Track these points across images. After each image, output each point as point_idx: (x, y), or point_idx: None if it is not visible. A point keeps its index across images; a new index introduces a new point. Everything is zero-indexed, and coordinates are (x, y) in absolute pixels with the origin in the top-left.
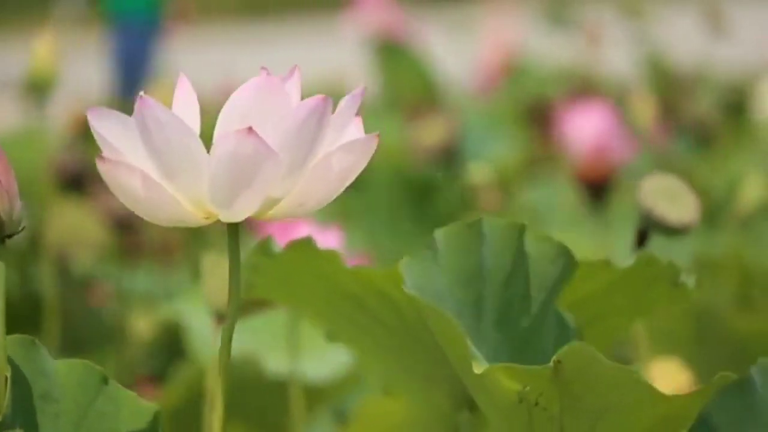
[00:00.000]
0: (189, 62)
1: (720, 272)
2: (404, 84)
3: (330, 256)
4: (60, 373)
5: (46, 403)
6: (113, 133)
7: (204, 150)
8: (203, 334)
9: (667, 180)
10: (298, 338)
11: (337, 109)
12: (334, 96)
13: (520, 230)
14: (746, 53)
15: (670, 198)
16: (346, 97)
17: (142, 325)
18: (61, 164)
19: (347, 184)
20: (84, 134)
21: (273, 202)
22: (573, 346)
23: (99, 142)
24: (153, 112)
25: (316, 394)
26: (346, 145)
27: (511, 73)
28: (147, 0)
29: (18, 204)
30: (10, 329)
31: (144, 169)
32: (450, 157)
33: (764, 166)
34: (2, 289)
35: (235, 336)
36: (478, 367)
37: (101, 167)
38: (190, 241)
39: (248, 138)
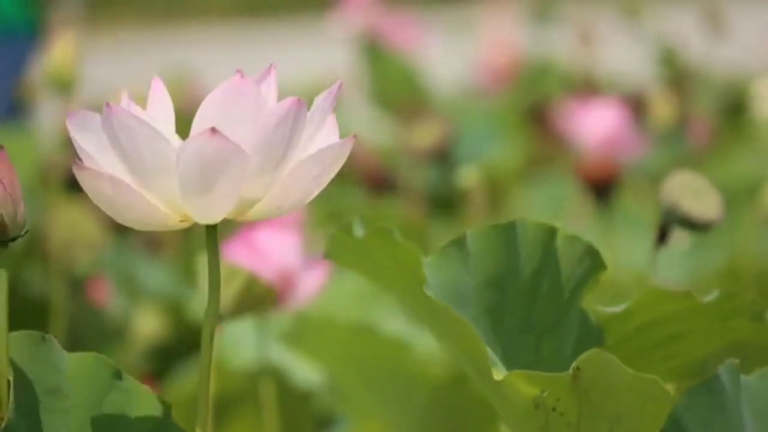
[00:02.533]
0: (197, 63)
1: (739, 276)
2: (390, 85)
3: (409, 248)
4: (71, 367)
5: (55, 398)
6: (89, 138)
7: (174, 153)
8: (229, 335)
9: (690, 177)
10: (268, 339)
11: (313, 107)
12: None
13: (551, 232)
14: (746, 53)
15: (694, 194)
16: (322, 94)
17: (151, 324)
18: (59, 165)
19: (324, 185)
20: None
21: (249, 204)
22: (592, 353)
23: (76, 148)
24: (120, 118)
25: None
26: (323, 149)
27: (511, 72)
28: (19, 7)
29: (22, 207)
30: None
31: (117, 175)
32: (444, 158)
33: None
34: (5, 292)
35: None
36: (498, 374)
37: (77, 174)
38: (188, 239)
39: (212, 138)
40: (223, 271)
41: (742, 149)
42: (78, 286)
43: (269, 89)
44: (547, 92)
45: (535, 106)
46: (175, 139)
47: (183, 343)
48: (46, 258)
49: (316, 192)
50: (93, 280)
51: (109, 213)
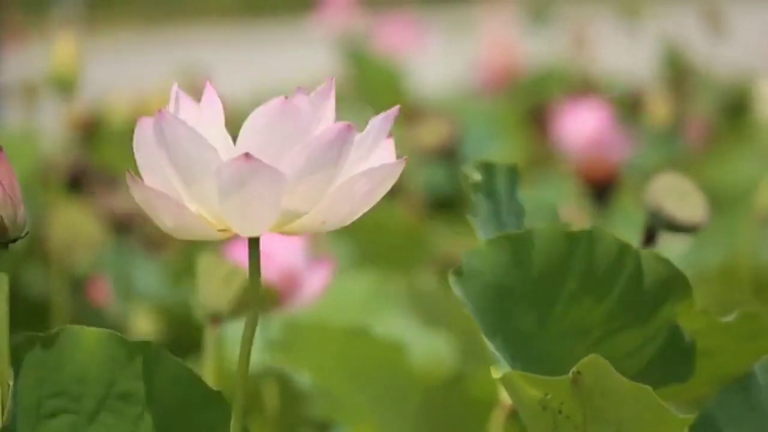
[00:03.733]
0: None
1: (736, 276)
2: (374, 86)
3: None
4: (162, 373)
5: (126, 403)
6: (148, 142)
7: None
8: (230, 335)
9: (675, 179)
10: (270, 336)
11: (367, 129)
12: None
13: (624, 246)
14: (746, 53)
15: (678, 197)
16: (378, 118)
17: (150, 324)
18: (59, 165)
19: (372, 204)
20: (82, 135)
21: (292, 218)
22: (591, 358)
23: (135, 149)
24: (170, 126)
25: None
26: (373, 170)
27: (510, 73)
28: None
29: (21, 208)
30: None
31: (165, 181)
32: (450, 157)
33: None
34: (5, 295)
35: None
36: (496, 372)
37: (128, 179)
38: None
39: (246, 163)
40: (223, 270)
41: (741, 150)
42: (78, 286)
43: (327, 105)
44: (546, 93)
45: (534, 107)
46: (227, 142)
47: (182, 344)
48: (47, 258)
49: (364, 210)
50: (93, 280)
51: (153, 219)
